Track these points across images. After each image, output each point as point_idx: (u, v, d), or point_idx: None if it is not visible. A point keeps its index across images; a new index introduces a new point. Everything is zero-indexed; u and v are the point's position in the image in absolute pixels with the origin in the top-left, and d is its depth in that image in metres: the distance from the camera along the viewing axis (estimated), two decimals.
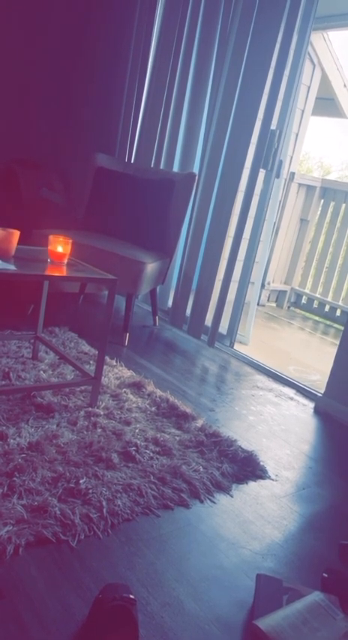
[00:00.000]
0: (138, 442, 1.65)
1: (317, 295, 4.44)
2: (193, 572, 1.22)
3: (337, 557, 1.40)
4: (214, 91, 2.85)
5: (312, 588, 1.21)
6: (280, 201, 4.25)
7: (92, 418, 1.75)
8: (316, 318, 4.50)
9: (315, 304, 4.48)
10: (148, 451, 1.63)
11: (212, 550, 1.31)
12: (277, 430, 2.06)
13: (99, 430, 1.69)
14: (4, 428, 1.57)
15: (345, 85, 4.67)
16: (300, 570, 1.31)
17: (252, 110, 2.66)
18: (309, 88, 4.31)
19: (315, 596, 1.16)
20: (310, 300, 4.51)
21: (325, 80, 4.46)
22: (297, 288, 4.61)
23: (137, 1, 3.23)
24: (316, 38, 4.13)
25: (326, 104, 4.83)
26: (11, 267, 1.57)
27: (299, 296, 4.62)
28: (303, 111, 4.33)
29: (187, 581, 1.19)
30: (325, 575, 1.27)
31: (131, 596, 1.04)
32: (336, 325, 4.30)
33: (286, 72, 2.63)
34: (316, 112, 4.62)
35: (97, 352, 2.28)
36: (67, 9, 3.39)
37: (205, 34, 2.91)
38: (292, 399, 2.44)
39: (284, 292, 4.64)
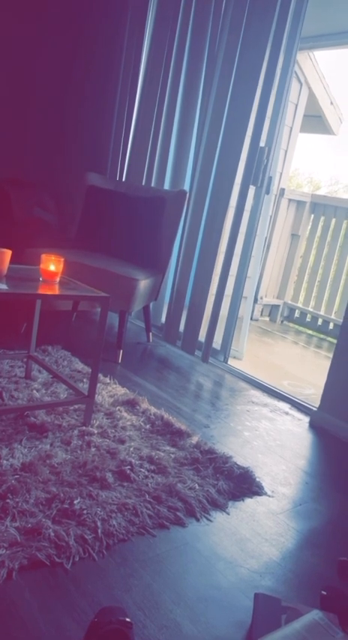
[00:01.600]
0: (132, 461, 1.64)
1: (310, 309, 4.46)
2: (191, 593, 1.20)
3: (336, 574, 1.38)
4: (204, 110, 2.89)
5: (311, 606, 1.19)
6: (271, 217, 4.29)
7: (86, 437, 1.73)
8: (310, 331, 4.51)
9: (308, 318, 4.50)
10: (142, 470, 1.61)
11: (209, 569, 1.29)
12: (273, 445, 2.05)
13: (93, 449, 1.67)
14: None
15: (332, 103, 4.76)
16: (298, 588, 1.29)
17: (241, 128, 2.70)
18: (297, 105, 4.39)
19: (314, 615, 1.14)
20: (303, 313, 4.53)
21: (312, 98, 4.54)
22: (289, 302, 4.63)
23: (126, 25, 3.29)
24: (303, 58, 4.21)
25: (314, 121, 4.91)
26: (3, 287, 1.56)
27: (292, 310, 4.64)
28: (291, 128, 4.40)
29: (185, 602, 1.17)
30: (324, 592, 1.25)
31: (127, 620, 1.02)
32: (329, 338, 4.31)
33: (274, 91, 2.68)
34: (304, 129, 4.70)
35: (90, 370, 2.27)
36: (59, 31, 3.45)
37: (193, 55, 2.96)
38: (287, 413, 2.43)
39: (277, 306, 4.66)
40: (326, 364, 2.45)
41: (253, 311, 4.37)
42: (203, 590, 1.22)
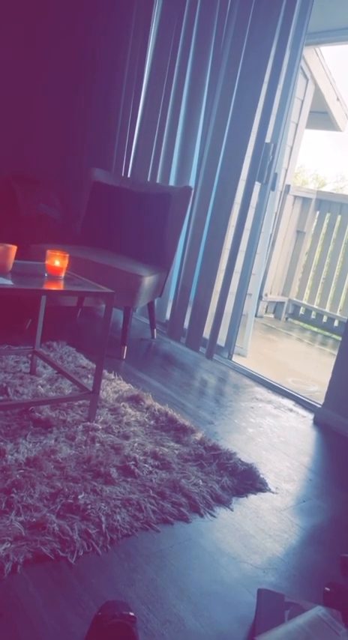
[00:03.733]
0: (137, 456, 1.64)
1: (315, 306, 4.44)
2: (194, 588, 1.20)
3: (339, 570, 1.38)
4: (209, 106, 2.88)
5: (314, 603, 1.19)
6: (276, 214, 4.28)
7: (90, 432, 1.74)
8: (314, 329, 4.50)
9: (313, 315, 4.48)
10: (147, 465, 1.62)
11: (213, 565, 1.29)
12: (277, 442, 2.05)
13: (97, 445, 1.68)
14: (2, 443, 1.56)
15: (338, 99, 4.73)
16: (302, 584, 1.30)
17: (246, 124, 2.69)
18: (302, 101, 4.36)
19: (317, 611, 1.14)
20: (308, 311, 4.52)
21: (318, 94, 4.51)
22: (294, 299, 4.62)
23: (132, 20, 3.28)
24: (309, 53, 4.18)
25: (320, 117, 4.88)
26: (8, 282, 1.57)
27: (297, 307, 4.62)
28: (297, 124, 4.37)
29: (188, 597, 1.17)
30: (327, 589, 1.25)
31: (131, 614, 1.03)
32: (334, 336, 4.30)
33: (280, 86, 2.66)
34: (310, 126, 4.67)
35: (95, 366, 2.27)
36: (66, 29, 3.44)
37: (199, 51, 2.95)
38: (291, 410, 2.43)
39: (282, 304, 4.65)
40: (331, 361, 2.45)
41: (257, 308, 4.37)
42: (207, 586, 1.22)
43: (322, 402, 2.40)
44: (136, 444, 1.73)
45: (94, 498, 1.40)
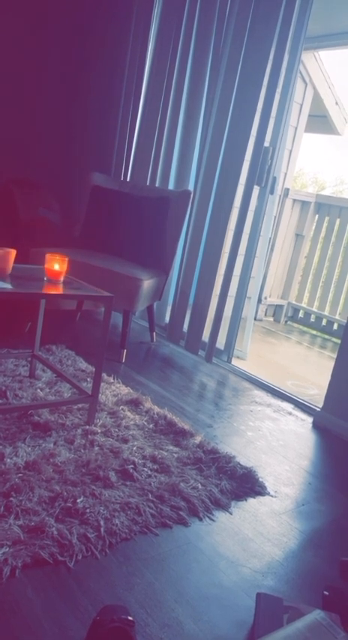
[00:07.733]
0: (136, 460, 1.64)
1: (314, 309, 4.45)
2: (193, 592, 1.20)
3: (338, 574, 1.38)
4: (208, 110, 2.89)
5: (313, 606, 1.19)
6: (275, 217, 4.29)
7: (89, 436, 1.74)
8: (314, 332, 4.50)
9: (312, 318, 4.49)
10: (146, 469, 1.62)
11: (212, 569, 1.29)
12: (276, 446, 2.05)
13: (96, 448, 1.68)
14: (1, 447, 1.56)
15: (336, 103, 4.75)
16: (300, 588, 1.29)
17: (245, 128, 2.70)
18: (301, 105, 4.38)
19: (316, 615, 1.14)
20: (307, 314, 4.53)
21: (317, 98, 4.53)
22: (294, 302, 4.62)
23: (131, 24, 3.29)
24: (308, 57, 4.20)
25: (319, 121, 4.90)
26: (8, 286, 1.57)
27: (296, 310, 4.63)
28: (296, 128, 4.39)
29: (187, 601, 1.17)
30: (326, 592, 1.25)
31: (130, 618, 1.03)
32: (333, 339, 4.31)
33: (279, 90, 2.67)
34: (309, 129, 4.69)
35: (94, 369, 2.28)
36: (65, 34, 3.46)
37: (198, 55, 2.97)
38: (290, 414, 2.43)
39: (281, 307, 4.65)
40: (330, 364, 2.45)
41: (256, 311, 4.37)
42: (205, 589, 1.22)
43: (321, 405, 2.40)
44: (135, 448, 1.73)
45: (92, 502, 1.40)
